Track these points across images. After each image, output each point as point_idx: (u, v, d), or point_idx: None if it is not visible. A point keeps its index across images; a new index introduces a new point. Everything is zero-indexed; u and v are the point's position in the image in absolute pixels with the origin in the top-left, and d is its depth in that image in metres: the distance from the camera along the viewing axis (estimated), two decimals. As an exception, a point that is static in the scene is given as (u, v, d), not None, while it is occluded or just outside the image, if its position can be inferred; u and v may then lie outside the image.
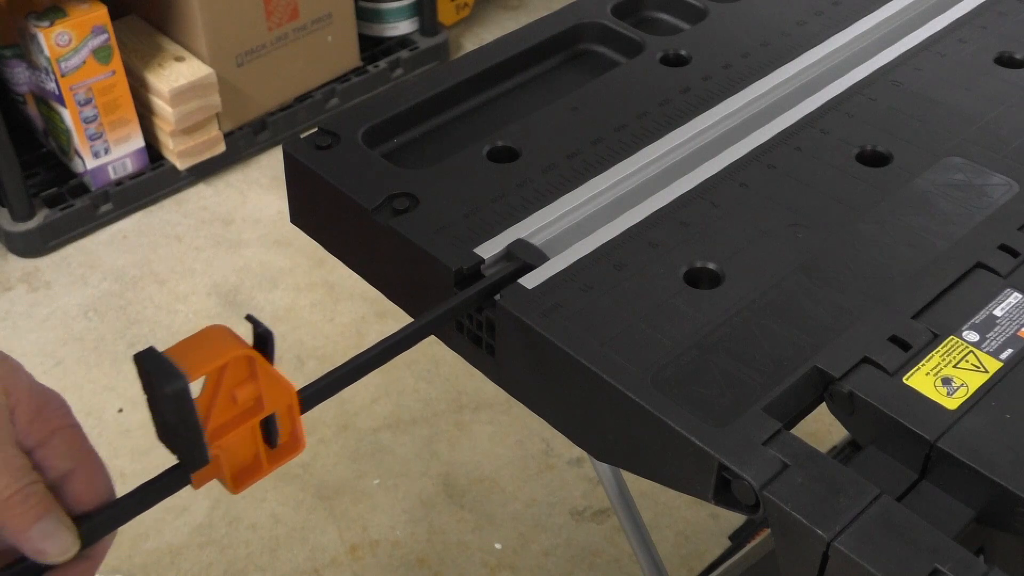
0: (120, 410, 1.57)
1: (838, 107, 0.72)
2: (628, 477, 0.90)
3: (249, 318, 0.49)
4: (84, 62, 1.72)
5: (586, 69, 0.80)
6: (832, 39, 0.78)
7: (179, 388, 0.44)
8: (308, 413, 0.51)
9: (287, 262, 1.81)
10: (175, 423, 0.46)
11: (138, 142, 1.86)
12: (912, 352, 0.55)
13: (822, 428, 1.43)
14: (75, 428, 0.50)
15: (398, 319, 0.67)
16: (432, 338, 0.60)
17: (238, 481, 0.50)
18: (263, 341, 0.48)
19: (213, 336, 0.48)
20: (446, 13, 2.27)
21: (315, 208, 0.70)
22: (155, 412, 0.46)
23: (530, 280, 0.60)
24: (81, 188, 1.86)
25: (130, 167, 1.87)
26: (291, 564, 1.40)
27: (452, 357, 0.73)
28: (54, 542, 0.46)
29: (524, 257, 0.62)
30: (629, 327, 0.57)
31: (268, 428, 0.50)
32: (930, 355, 0.55)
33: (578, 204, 0.65)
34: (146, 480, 0.48)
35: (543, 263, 0.61)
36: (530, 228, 0.63)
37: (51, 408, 0.49)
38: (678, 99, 0.73)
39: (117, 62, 1.76)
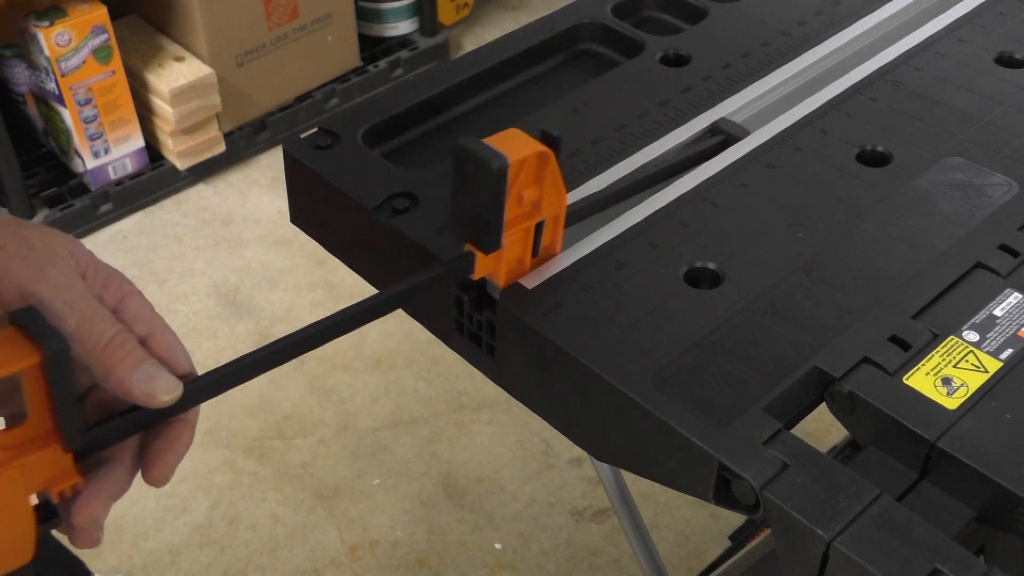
0: (120, 410, 1.57)
1: (838, 107, 0.72)
2: (628, 477, 0.90)
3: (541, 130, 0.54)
4: (84, 62, 1.72)
5: (586, 69, 0.80)
6: (832, 39, 0.78)
7: (503, 165, 0.50)
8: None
9: (287, 262, 1.81)
10: (486, 205, 0.50)
11: (138, 142, 1.86)
12: (912, 352, 0.55)
13: (822, 428, 1.43)
14: (143, 296, 0.50)
15: (398, 319, 0.67)
16: (432, 338, 0.60)
17: (508, 278, 0.56)
18: (555, 144, 0.53)
19: (513, 135, 0.53)
20: (446, 13, 2.27)
21: (315, 208, 0.70)
22: (464, 196, 0.51)
23: (530, 280, 0.60)
24: (81, 188, 1.86)
25: (130, 167, 1.87)
26: (291, 564, 1.40)
27: (452, 357, 0.73)
28: (161, 383, 0.46)
29: (729, 130, 0.69)
30: (629, 327, 0.57)
31: (536, 234, 0.55)
32: (930, 355, 0.55)
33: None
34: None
35: (746, 136, 0.69)
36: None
37: (119, 277, 0.49)
38: (678, 99, 0.73)
39: (117, 62, 1.76)
